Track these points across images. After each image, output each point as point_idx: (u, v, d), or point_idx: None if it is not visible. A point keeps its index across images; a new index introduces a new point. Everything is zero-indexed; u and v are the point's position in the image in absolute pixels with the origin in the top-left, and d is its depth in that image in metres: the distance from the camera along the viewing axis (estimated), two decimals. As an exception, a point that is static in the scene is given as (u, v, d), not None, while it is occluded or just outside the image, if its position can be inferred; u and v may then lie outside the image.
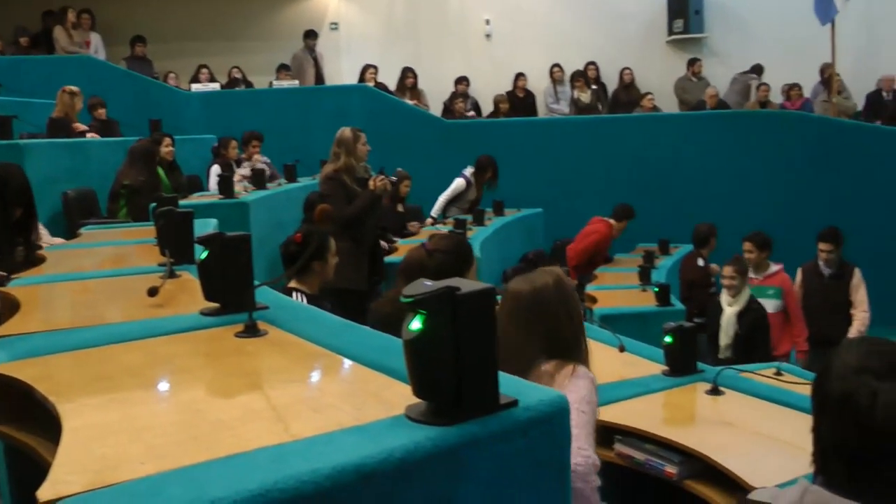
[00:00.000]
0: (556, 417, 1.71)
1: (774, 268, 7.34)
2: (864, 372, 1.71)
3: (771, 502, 1.82)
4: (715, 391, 3.67)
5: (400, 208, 9.22)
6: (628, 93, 13.64)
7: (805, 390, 3.88)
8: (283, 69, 13.02)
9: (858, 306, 7.13)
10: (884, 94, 12.61)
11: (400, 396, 1.70)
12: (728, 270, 6.62)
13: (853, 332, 7.19)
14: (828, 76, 12.08)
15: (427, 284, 1.59)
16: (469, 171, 9.94)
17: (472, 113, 12.93)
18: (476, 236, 8.30)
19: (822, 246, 7.19)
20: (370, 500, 1.43)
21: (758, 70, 13.17)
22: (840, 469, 1.75)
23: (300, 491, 1.35)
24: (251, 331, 2.29)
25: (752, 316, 6.51)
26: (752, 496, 1.90)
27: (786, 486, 2.74)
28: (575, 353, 2.95)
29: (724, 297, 6.65)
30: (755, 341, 6.41)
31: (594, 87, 13.24)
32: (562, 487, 1.77)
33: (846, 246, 10.09)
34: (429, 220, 9.58)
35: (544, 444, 1.70)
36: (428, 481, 1.50)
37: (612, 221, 9.09)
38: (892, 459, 1.71)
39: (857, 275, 7.22)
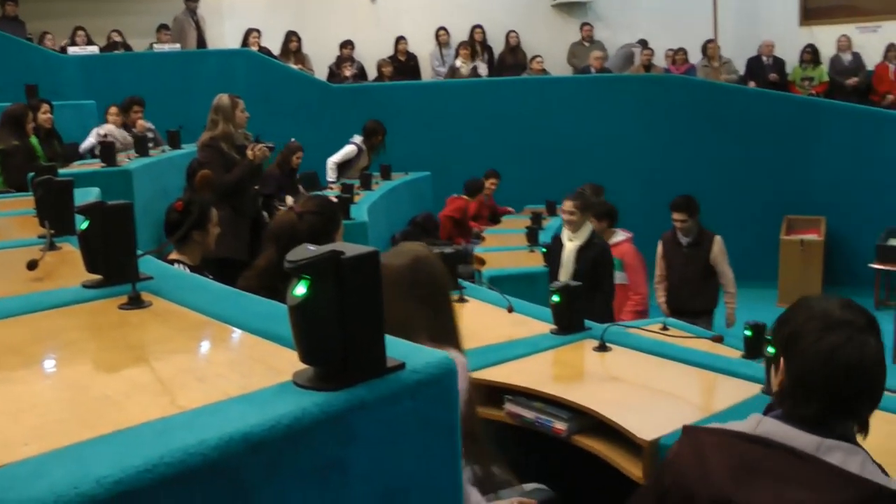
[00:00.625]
0: (444, 379, 1.72)
1: (618, 237, 7.20)
2: (848, 325, 1.88)
3: (722, 428, 1.97)
4: (602, 348, 3.75)
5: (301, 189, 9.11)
6: (514, 56, 13.73)
7: (690, 344, 4.02)
8: (163, 30, 12.68)
9: (723, 278, 7.08)
10: (764, 59, 12.97)
11: (287, 363, 1.68)
12: (568, 205, 6.39)
13: (728, 312, 7.25)
14: (710, 48, 12.36)
15: (311, 249, 1.57)
16: (358, 138, 9.90)
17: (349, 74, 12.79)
18: (363, 200, 8.29)
19: (674, 216, 7.04)
20: (258, 468, 1.42)
21: (643, 44, 13.37)
22: (813, 407, 1.88)
23: (187, 463, 1.33)
24: (135, 302, 2.24)
25: (593, 251, 6.33)
26: (705, 428, 2.04)
27: (675, 436, 2.82)
28: (449, 336, 2.84)
29: (565, 233, 6.47)
30: (598, 277, 6.21)
31: (475, 63, 13.17)
32: (451, 448, 1.79)
33: (724, 206, 10.46)
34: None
35: (433, 406, 1.71)
36: (316, 447, 1.50)
37: (465, 198, 9.24)
38: (867, 399, 1.93)
39: (718, 244, 7.10)
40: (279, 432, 1.44)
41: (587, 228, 6.41)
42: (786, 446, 1.87)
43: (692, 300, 6.87)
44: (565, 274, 6.20)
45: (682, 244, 7.07)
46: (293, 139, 9.24)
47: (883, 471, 1.90)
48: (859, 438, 1.95)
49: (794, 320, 1.96)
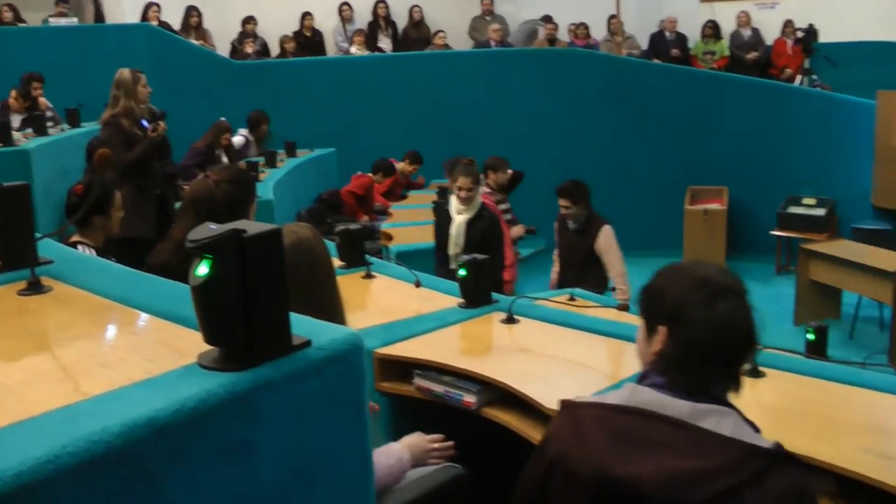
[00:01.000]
0: (350, 356, 1.73)
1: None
2: (731, 291, 1.94)
3: (597, 401, 2.00)
4: (510, 320, 3.80)
5: (224, 159, 8.94)
6: (418, 31, 13.68)
7: (597, 313, 4.10)
8: (59, 3, 12.29)
9: (610, 269, 6.71)
10: (667, 34, 13.16)
11: (192, 345, 1.67)
12: (464, 182, 6.20)
13: (619, 305, 6.92)
14: (613, 23, 12.49)
15: (212, 228, 1.56)
16: (244, 130, 9.83)
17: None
18: (269, 178, 8.22)
19: (560, 201, 6.73)
20: (164, 453, 1.41)
21: (547, 20, 13.41)
22: (700, 374, 1.92)
23: (91, 452, 1.31)
24: (35, 287, 2.19)
25: (484, 223, 6.17)
26: (579, 400, 2.05)
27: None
28: (333, 320, 2.85)
29: (455, 206, 6.25)
30: (489, 249, 5.83)
31: (368, 52, 13.05)
32: (360, 424, 1.80)
33: (629, 178, 10.62)
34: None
35: (340, 383, 1.72)
36: (223, 429, 1.49)
37: (370, 175, 9.22)
38: (745, 360, 2.03)
39: (605, 234, 6.73)
40: (184, 416, 1.43)
41: (478, 201, 6.29)
42: (660, 415, 1.89)
43: (576, 284, 6.46)
44: (455, 247, 6.10)
45: (570, 228, 6.85)
46: (223, 118, 9.13)
47: (754, 428, 1.93)
48: (732, 396, 1.99)
49: (673, 289, 1.96)
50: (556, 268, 7.03)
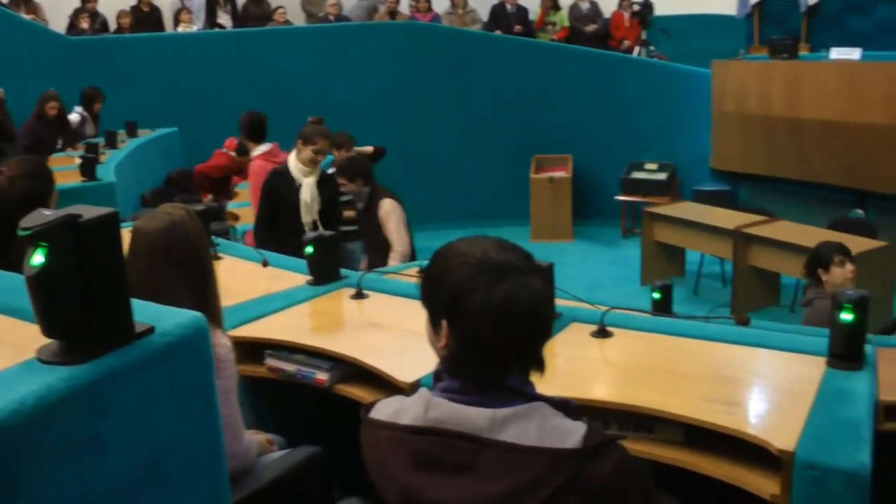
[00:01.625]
0: (195, 340, 1.70)
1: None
2: (511, 269, 1.73)
3: (394, 421, 1.80)
4: (359, 295, 3.79)
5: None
6: (259, 6, 13.41)
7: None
8: None
9: (394, 245, 6.44)
10: (508, 7, 13.26)
11: (30, 338, 1.61)
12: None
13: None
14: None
15: (46, 214, 1.50)
16: (79, 108, 9.50)
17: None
18: (110, 160, 7.96)
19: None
20: (5, 454, 1.34)
21: None
22: (492, 370, 1.75)
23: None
24: None
25: (329, 186, 5.94)
26: (374, 413, 1.85)
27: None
28: (210, 303, 2.74)
29: (300, 171, 5.77)
30: (336, 211, 5.96)
31: (196, 27, 12.69)
32: (209, 410, 1.76)
33: (475, 149, 10.70)
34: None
35: (186, 368, 1.69)
36: (67, 424, 1.45)
37: (233, 155, 9.01)
38: (543, 342, 1.78)
39: (383, 208, 6.47)
40: (24, 414, 1.38)
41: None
42: (458, 433, 1.70)
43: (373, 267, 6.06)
44: (310, 214, 5.76)
45: (358, 209, 6.54)
46: (51, 88, 8.77)
47: (567, 408, 1.80)
48: (536, 377, 1.82)
49: (450, 275, 1.75)
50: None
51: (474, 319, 1.70)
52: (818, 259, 5.16)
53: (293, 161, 5.76)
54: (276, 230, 5.69)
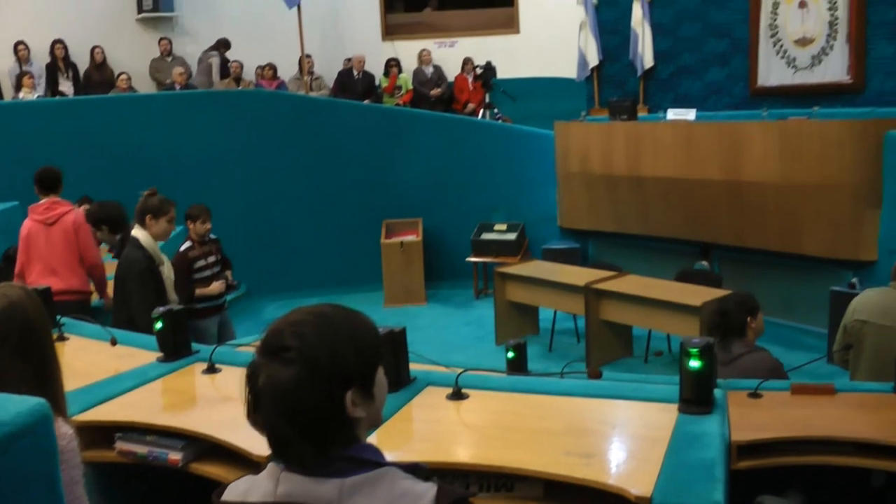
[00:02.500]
0: (37, 428, 1.62)
1: None
2: (268, 353, 1.68)
3: (242, 500, 1.74)
4: (212, 369, 3.71)
5: None
6: (101, 73, 13.17)
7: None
8: None
9: None
10: (355, 72, 13.38)
11: None
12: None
13: None
14: (300, 63, 12.51)
15: None
16: None
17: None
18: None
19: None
20: None
21: (223, 45, 13.23)
22: (298, 449, 1.66)
23: None
24: None
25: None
26: (225, 496, 1.78)
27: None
28: (52, 390, 2.48)
29: (155, 248, 5.58)
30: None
31: (38, 94, 12.40)
32: (53, 499, 1.69)
33: (326, 216, 10.68)
34: None
35: (28, 459, 1.61)
36: None
37: None
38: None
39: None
40: None
41: None
42: None
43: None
44: (175, 290, 5.68)
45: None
46: None
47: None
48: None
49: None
50: None
51: (261, 398, 1.68)
52: (744, 309, 4.91)
53: (146, 239, 5.52)
54: (125, 308, 5.44)
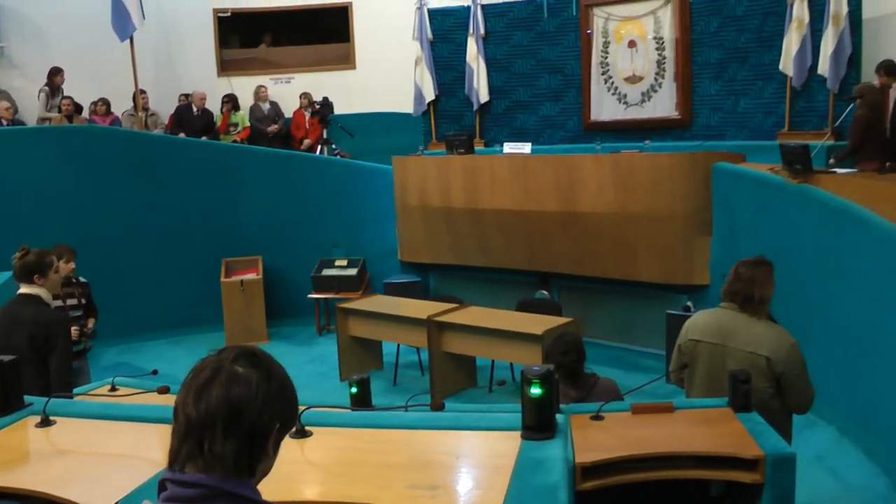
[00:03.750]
0: None
1: None
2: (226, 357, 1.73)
3: None
4: (45, 422, 3.54)
5: None
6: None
7: (138, 400, 3.94)
8: None
9: None
10: (194, 109, 13.10)
11: None
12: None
13: None
14: (136, 99, 12.15)
15: None
16: None
17: None
18: None
19: None
20: None
21: (54, 74, 12.70)
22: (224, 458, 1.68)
23: None
24: None
25: None
26: None
27: (131, 499, 2.74)
28: None
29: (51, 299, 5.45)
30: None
31: None
32: None
33: (164, 256, 10.42)
34: None
35: None
36: None
37: None
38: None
39: None
40: None
41: None
42: None
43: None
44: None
45: None
46: None
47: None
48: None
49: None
50: None
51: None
52: (580, 347, 4.93)
53: (46, 295, 5.27)
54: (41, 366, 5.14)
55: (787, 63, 9.68)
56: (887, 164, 8.08)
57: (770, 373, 4.07)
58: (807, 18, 9.58)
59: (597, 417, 3.45)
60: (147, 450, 3.41)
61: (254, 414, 1.68)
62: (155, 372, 4.59)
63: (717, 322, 4.30)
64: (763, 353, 4.09)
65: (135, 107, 12.11)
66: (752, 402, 3.52)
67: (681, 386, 4.54)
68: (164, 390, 4.08)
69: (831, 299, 6.44)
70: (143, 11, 10.99)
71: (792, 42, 9.63)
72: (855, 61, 9.47)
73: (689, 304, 8.46)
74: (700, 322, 4.40)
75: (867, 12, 9.58)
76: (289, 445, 3.16)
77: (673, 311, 8.29)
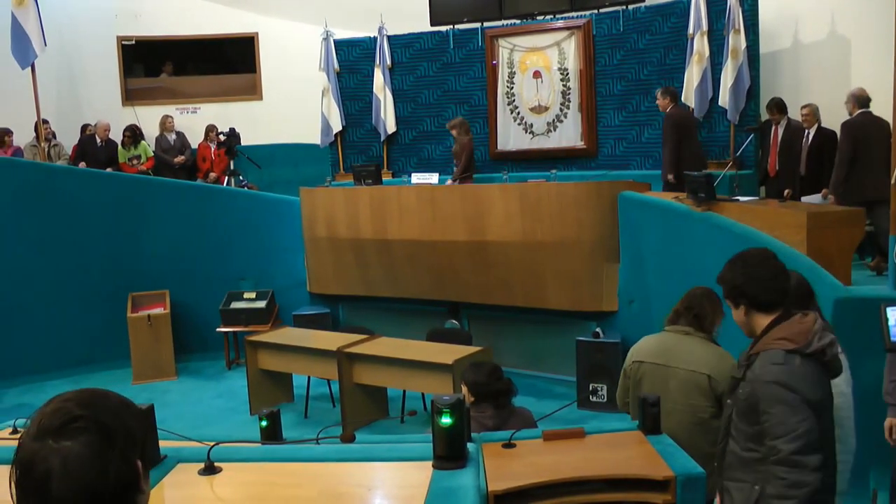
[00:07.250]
0: None
1: None
2: (46, 434, 1.54)
3: None
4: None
5: None
6: None
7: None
8: None
9: None
10: (98, 140, 12.74)
11: None
12: None
13: None
14: (39, 129, 11.83)
15: None
16: None
17: None
18: None
19: None
20: None
21: None
22: None
23: None
24: None
25: None
26: None
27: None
28: None
29: None
30: None
31: None
32: None
33: (66, 290, 10.16)
34: None
35: None
36: None
37: None
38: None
39: None
40: None
41: None
42: None
43: None
44: None
45: None
46: None
47: None
48: None
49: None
50: None
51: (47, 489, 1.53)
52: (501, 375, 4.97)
53: None
54: None
55: (689, 95, 9.93)
56: (785, 192, 8.36)
57: (711, 392, 4.13)
58: (707, 52, 9.87)
59: (509, 445, 3.45)
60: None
61: (111, 481, 1.53)
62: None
63: (660, 344, 4.38)
64: (704, 371, 4.16)
65: (37, 137, 11.80)
66: (692, 421, 3.57)
67: (626, 410, 4.59)
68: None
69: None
70: (44, 38, 10.71)
71: (693, 75, 9.91)
72: (754, 93, 9.76)
73: (598, 330, 8.56)
74: (644, 345, 4.48)
75: (764, 47, 9.90)
76: (198, 482, 3.09)
77: (582, 338, 8.38)
